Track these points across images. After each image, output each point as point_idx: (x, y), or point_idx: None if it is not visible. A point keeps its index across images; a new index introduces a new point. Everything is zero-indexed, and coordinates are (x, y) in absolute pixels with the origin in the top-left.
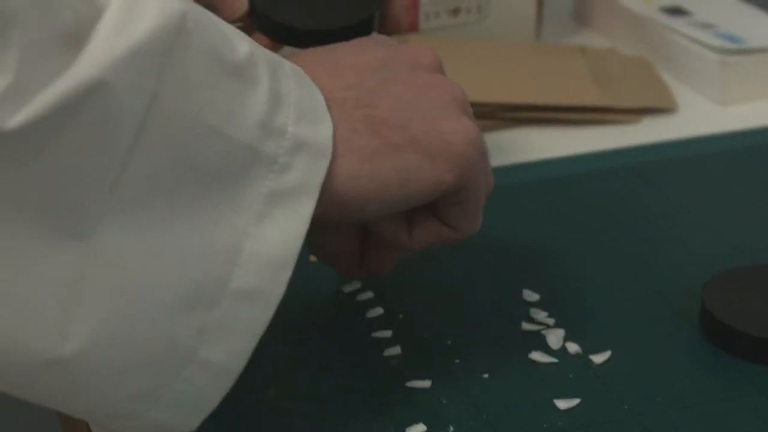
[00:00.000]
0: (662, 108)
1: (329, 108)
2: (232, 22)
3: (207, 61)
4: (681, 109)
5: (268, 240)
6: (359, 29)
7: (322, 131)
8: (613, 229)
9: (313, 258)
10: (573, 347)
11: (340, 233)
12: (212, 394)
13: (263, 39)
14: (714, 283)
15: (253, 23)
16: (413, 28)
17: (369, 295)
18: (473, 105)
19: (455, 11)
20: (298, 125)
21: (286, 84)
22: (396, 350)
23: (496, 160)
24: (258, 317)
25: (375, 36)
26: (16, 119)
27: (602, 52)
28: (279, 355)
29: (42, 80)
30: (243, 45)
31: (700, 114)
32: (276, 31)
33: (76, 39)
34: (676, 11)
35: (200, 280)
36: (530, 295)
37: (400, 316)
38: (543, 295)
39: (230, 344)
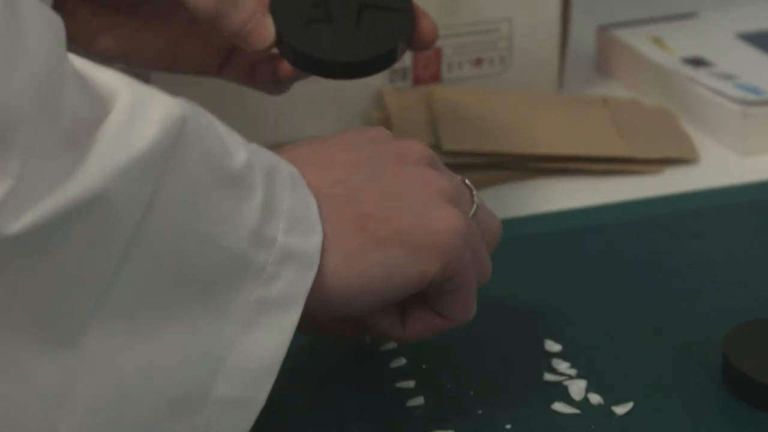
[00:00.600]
0: (684, 158)
1: (319, 206)
2: (261, 51)
3: (204, 171)
4: (702, 159)
5: (253, 349)
6: (383, 61)
7: (312, 241)
8: (635, 279)
9: None
10: (595, 398)
11: (333, 322)
12: None
13: (288, 67)
14: (736, 335)
15: (280, 52)
16: (436, 78)
17: (392, 345)
18: (496, 156)
19: (478, 61)
20: (289, 235)
21: (280, 192)
22: (419, 400)
23: (518, 211)
24: (241, 422)
25: (369, 130)
26: (17, 225)
27: (624, 102)
28: (300, 402)
29: (44, 187)
30: (240, 153)
31: (721, 164)
32: (301, 61)
33: (78, 143)
34: (697, 62)
35: (186, 388)
36: (552, 346)
37: (423, 366)
38: (565, 346)
39: None
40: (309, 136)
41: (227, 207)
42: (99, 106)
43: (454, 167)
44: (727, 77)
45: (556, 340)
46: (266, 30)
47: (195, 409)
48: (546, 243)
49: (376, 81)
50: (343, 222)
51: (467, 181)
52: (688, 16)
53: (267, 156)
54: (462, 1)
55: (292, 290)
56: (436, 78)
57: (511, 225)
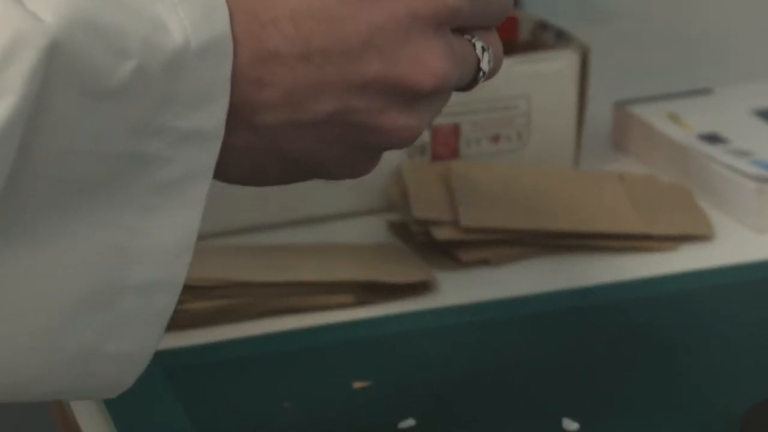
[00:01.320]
0: (700, 235)
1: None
2: None
3: (79, 97)
4: (719, 236)
5: (159, 231)
6: None
7: (215, 114)
8: (653, 356)
9: (357, 385)
10: None
11: None
12: (126, 378)
13: None
14: (753, 413)
15: None
16: (454, 154)
17: (411, 422)
18: (513, 232)
19: (495, 138)
20: (185, 118)
21: (182, 75)
22: None
23: (534, 288)
24: (162, 305)
25: None
26: None
27: (640, 178)
28: None
29: None
30: (128, 62)
31: (737, 242)
32: None
33: None
34: (713, 138)
35: (91, 286)
36: (570, 424)
37: None
38: (582, 424)
39: (138, 333)
40: (329, 213)
41: (109, 119)
42: None
43: (472, 244)
44: (743, 154)
45: (574, 417)
46: None
47: (108, 304)
48: (563, 320)
49: (395, 156)
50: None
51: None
52: (704, 92)
53: (186, 30)
54: None
55: (192, 167)
56: (454, 154)
57: (528, 301)
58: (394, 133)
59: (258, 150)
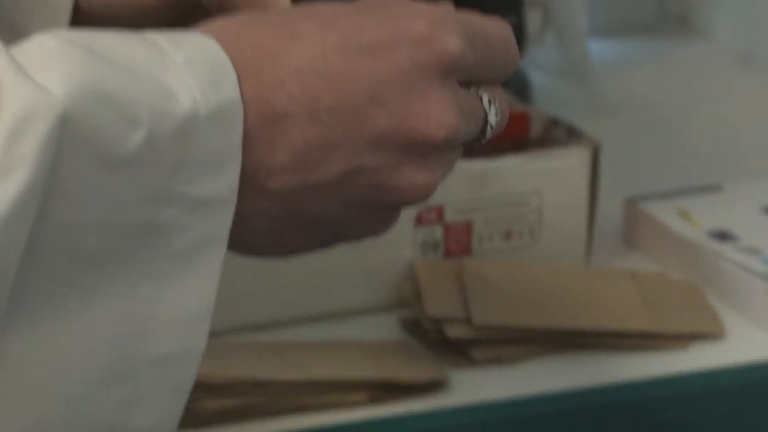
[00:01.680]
0: (710, 334)
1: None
2: None
3: (90, 168)
4: (729, 335)
5: (177, 300)
6: None
7: (227, 180)
8: None
9: None
10: None
11: None
12: None
13: None
14: None
15: None
16: (467, 250)
17: None
18: (525, 330)
19: (508, 235)
20: (197, 184)
21: (191, 143)
22: None
23: (546, 386)
24: (182, 376)
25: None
26: None
27: (651, 276)
28: None
29: None
30: (139, 131)
31: (748, 340)
32: None
33: None
34: (723, 236)
35: (110, 360)
36: None
37: None
38: None
39: (159, 407)
40: (341, 309)
41: (122, 189)
42: None
43: (485, 342)
44: (753, 252)
45: None
46: (277, 1)
47: (129, 377)
48: (575, 418)
49: (408, 254)
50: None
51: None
52: (713, 189)
53: (194, 99)
54: (492, 174)
55: (206, 235)
56: (466, 250)
57: (540, 400)
58: (409, 190)
59: (273, 215)
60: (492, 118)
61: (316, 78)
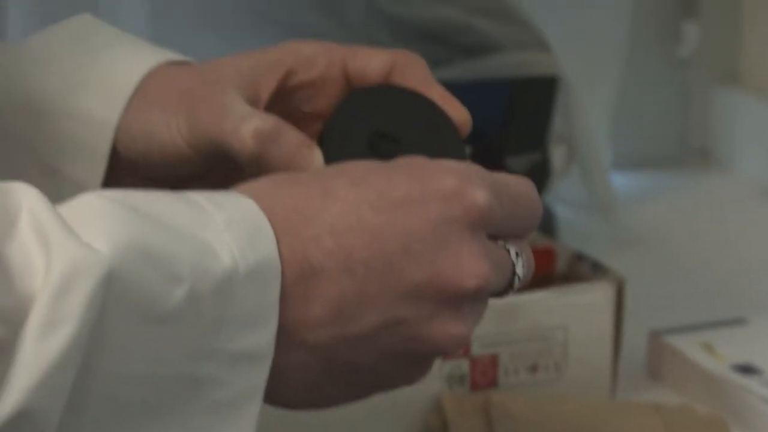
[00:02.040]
0: None
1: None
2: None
3: (134, 323)
4: None
5: None
6: None
7: (265, 336)
8: None
9: None
10: None
11: None
12: None
13: None
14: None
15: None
16: (493, 383)
17: None
18: None
19: (534, 368)
20: (237, 340)
21: (230, 300)
22: None
23: None
24: None
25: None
26: None
27: (676, 410)
28: None
29: None
30: (180, 287)
31: None
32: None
33: (2, 352)
34: (747, 370)
35: None
36: None
37: None
38: None
39: None
40: None
41: (164, 343)
42: (21, 301)
43: None
44: None
45: None
46: (312, 165)
47: None
48: None
49: (435, 387)
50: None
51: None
52: (737, 322)
53: (234, 254)
54: (519, 309)
55: (244, 389)
56: (493, 383)
57: None
58: (444, 340)
59: (310, 367)
60: (519, 270)
61: (350, 233)
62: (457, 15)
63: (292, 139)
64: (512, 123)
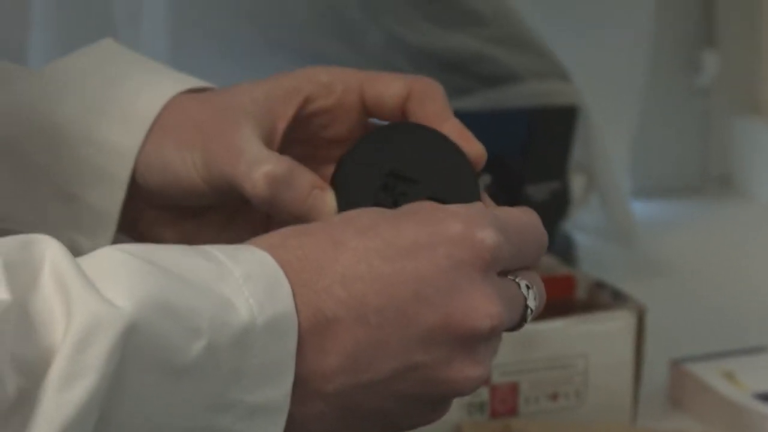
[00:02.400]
0: None
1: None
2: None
3: (153, 375)
4: None
5: None
6: None
7: (282, 389)
8: None
9: None
10: None
11: None
12: None
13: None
14: None
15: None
16: (513, 411)
17: None
18: None
19: (554, 396)
20: (254, 392)
21: (251, 352)
22: None
23: None
24: None
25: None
26: None
27: None
28: None
29: None
30: (198, 341)
31: None
32: None
33: (23, 403)
34: None
35: None
36: None
37: None
38: None
39: None
40: None
41: (183, 395)
42: (43, 353)
43: None
44: None
45: None
46: (326, 207)
47: None
48: None
49: (454, 415)
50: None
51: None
52: (759, 350)
53: (252, 309)
54: (539, 337)
55: None
56: (513, 411)
57: None
58: (462, 382)
59: (327, 416)
60: (531, 302)
61: (361, 282)
62: (475, 44)
63: (305, 182)
64: (532, 152)
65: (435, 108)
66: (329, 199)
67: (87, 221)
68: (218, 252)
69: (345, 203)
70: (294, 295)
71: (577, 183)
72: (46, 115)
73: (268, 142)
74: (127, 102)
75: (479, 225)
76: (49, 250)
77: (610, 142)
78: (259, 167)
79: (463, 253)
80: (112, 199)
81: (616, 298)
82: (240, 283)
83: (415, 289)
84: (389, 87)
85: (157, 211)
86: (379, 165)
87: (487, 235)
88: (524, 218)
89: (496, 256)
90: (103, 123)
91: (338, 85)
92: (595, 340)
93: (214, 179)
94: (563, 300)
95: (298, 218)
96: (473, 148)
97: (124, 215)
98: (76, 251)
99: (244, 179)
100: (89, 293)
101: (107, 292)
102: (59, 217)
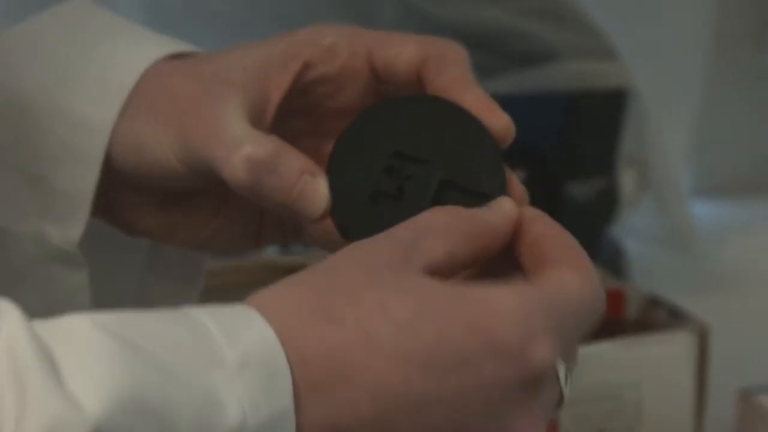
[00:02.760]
0: None
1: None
2: (314, 220)
3: None
4: None
5: None
6: None
7: None
8: None
9: None
10: None
11: None
12: None
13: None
14: None
15: (334, 224)
16: None
17: None
18: None
19: None
20: None
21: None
22: None
23: None
24: None
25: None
26: None
27: None
28: None
29: None
30: (231, 410)
31: None
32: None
33: None
34: None
35: None
36: None
37: None
38: None
39: None
40: None
41: None
42: None
43: None
44: None
45: None
46: (318, 195)
47: None
48: None
49: None
50: None
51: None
52: None
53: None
54: (583, 363)
55: None
56: None
57: None
58: None
59: None
60: (566, 391)
61: (394, 401)
62: (506, 18)
63: (293, 167)
64: (573, 143)
65: (453, 75)
66: (320, 187)
67: (56, 207)
68: (211, 322)
69: (339, 191)
70: (305, 398)
71: (627, 180)
72: (9, 84)
73: (257, 118)
74: (101, 70)
75: (537, 337)
76: (5, 322)
77: (666, 131)
78: (239, 149)
79: (512, 372)
80: (84, 180)
81: (674, 317)
82: (233, 373)
83: (454, 414)
84: (402, 50)
85: (138, 196)
86: (383, 144)
87: (542, 351)
88: (583, 298)
89: (547, 375)
90: (73, 94)
91: (343, 48)
92: (649, 366)
93: (192, 162)
94: (611, 319)
95: (285, 209)
96: (498, 120)
97: (99, 200)
98: (45, 245)
99: (222, 163)
100: (49, 387)
101: (71, 383)
102: (24, 203)
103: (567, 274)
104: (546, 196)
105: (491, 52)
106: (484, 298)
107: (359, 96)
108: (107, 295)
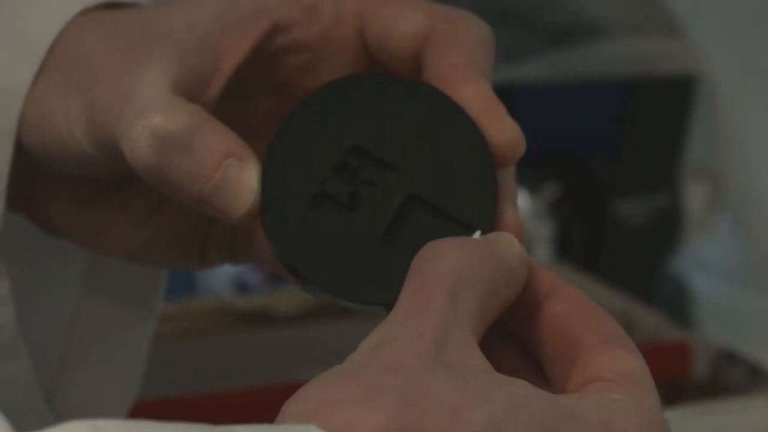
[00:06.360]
0: None
1: None
2: (235, 220)
3: None
4: None
5: None
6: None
7: None
8: None
9: None
10: None
11: None
12: None
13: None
14: None
15: (263, 230)
16: None
17: None
18: None
19: None
20: None
21: None
22: None
23: None
24: None
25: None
26: None
27: None
28: None
29: None
30: None
31: None
32: (284, 261)
33: None
34: None
35: None
36: None
37: None
38: None
39: None
40: None
41: None
42: None
43: None
44: None
45: None
46: (242, 187)
47: None
48: None
49: None
50: None
51: None
52: None
53: None
54: None
55: None
56: None
57: None
58: None
59: None
60: None
61: None
62: None
63: (213, 147)
64: (626, 146)
65: (455, 60)
66: (247, 176)
67: None
68: None
69: (274, 187)
70: None
71: (695, 195)
72: None
73: (195, 89)
74: (17, 25)
75: None
76: None
77: (749, 131)
78: (142, 120)
79: None
80: None
81: (755, 376)
82: None
83: None
84: (401, 22)
85: (55, 188)
86: (339, 133)
87: None
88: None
89: None
90: None
91: (326, 9)
92: None
93: (99, 140)
94: (673, 380)
95: (202, 204)
96: (500, 130)
97: (15, 189)
98: None
99: (122, 137)
100: None
101: None
102: None
103: (617, 394)
104: (588, 218)
105: (525, 27)
106: (606, 420)
107: (344, 73)
108: (35, 313)
